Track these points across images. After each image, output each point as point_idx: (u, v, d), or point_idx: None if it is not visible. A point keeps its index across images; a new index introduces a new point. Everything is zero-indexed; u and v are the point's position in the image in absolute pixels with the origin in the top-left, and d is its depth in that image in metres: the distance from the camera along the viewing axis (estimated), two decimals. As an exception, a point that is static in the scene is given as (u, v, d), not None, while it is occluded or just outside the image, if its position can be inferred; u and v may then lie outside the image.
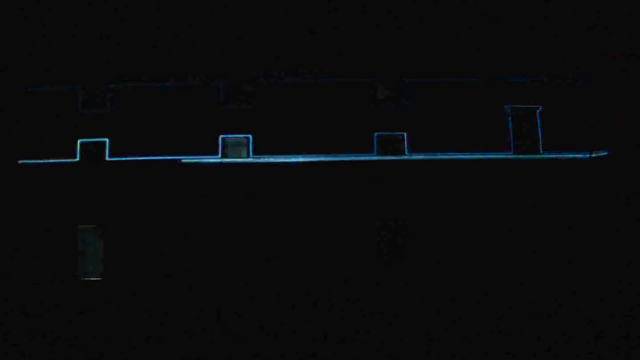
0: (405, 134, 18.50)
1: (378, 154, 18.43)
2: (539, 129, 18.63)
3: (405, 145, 18.48)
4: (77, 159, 18.39)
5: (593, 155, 18.39)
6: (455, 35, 19.05)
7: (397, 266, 17.88)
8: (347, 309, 13.67)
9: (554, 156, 18.38)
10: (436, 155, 18.33)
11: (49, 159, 18.30)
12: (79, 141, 18.47)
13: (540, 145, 18.54)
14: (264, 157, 18.34)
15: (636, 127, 18.13)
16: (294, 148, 18.32)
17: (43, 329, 11.20)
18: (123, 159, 18.32)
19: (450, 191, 18.10)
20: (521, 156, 18.44)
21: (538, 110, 18.70)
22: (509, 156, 18.38)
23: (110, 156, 18.38)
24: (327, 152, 18.30)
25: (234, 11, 19.24)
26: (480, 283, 17.05)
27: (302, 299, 15.25)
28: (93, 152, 18.51)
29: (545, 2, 19.24)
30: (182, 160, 18.31)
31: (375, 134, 18.49)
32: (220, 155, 18.40)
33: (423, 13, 19.30)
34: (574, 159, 18.34)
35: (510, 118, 18.67)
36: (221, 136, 18.48)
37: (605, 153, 18.31)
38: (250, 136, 18.49)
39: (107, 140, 18.44)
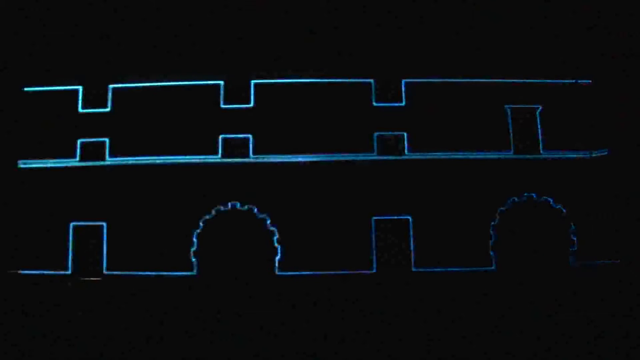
0: (405, 134, 18.51)
1: (378, 154, 18.44)
2: (539, 129, 18.65)
3: (405, 145, 18.49)
4: (77, 159, 18.39)
5: (593, 155, 18.40)
6: (455, 35, 19.06)
7: (396, 266, 17.87)
8: (347, 308, 13.65)
9: (554, 156, 18.41)
10: (436, 155, 18.35)
11: (49, 159, 18.30)
12: (79, 141, 18.48)
13: (540, 145, 18.56)
14: (264, 157, 18.33)
15: (636, 127, 18.13)
16: (294, 148, 18.32)
17: (43, 329, 11.18)
18: (123, 159, 18.31)
19: (451, 191, 18.10)
20: (521, 156, 18.47)
21: (538, 110, 18.72)
22: (509, 156, 18.42)
23: (110, 156, 18.38)
24: (327, 152, 18.30)
25: (234, 11, 19.24)
26: (480, 282, 17.03)
27: (302, 298, 15.25)
28: (93, 152, 18.51)
29: (545, 2, 19.25)
30: (183, 161, 18.31)
31: (375, 134, 18.51)
32: (220, 155, 18.41)
33: (423, 13, 19.30)
34: (574, 158, 18.36)
35: (510, 118, 18.69)
36: (221, 136, 18.48)
37: (605, 153, 18.33)
38: (250, 136, 18.49)
39: (107, 140, 18.45)
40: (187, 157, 18.26)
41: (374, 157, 18.32)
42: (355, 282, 17.13)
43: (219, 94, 18.69)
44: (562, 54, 18.99)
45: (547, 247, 17.94)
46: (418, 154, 18.35)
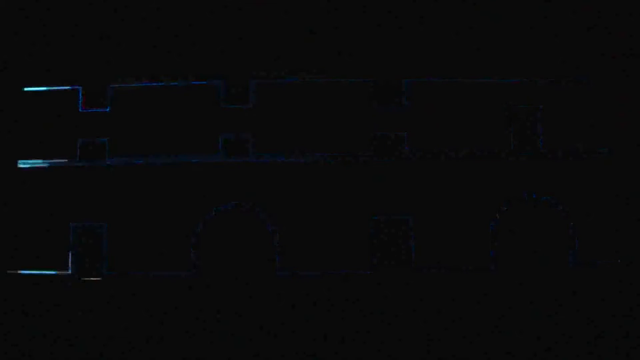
0: (405, 134, 18.51)
1: (377, 154, 18.44)
2: (539, 128, 18.65)
3: (405, 145, 18.50)
4: (77, 159, 18.41)
5: (593, 154, 18.39)
6: (455, 35, 19.05)
7: (396, 266, 17.88)
8: (347, 308, 13.66)
9: (554, 156, 18.40)
10: (436, 155, 18.35)
11: (49, 159, 18.32)
12: (79, 141, 18.49)
13: (541, 145, 18.56)
14: (263, 157, 18.35)
15: (636, 127, 18.13)
16: (293, 148, 18.34)
17: (43, 329, 11.19)
18: (123, 159, 18.32)
19: (451, 190, 18.11)
20: (521, 155, 18.46)
21: (538, 110, 18.72)
22: (509, 156, 18.41)
23: (109, 156, 18.40)
24: (326, 152, 18.32)
25: (234, 11, 19.23)
26: (480, 282, 17.04)
27: (302, 298, 15.26)
28: (93, 152, 18.53)
29: (545, 2, 19.24)
30: (183, 160, 18.32)
31: (375, 134, 18.51)
32: (220, 156, 18.43)
33: (423, 13, 19.29)
34: (574, 158, 18.35)
35: (510, 118, 18.69)
36: (221, 136, 18.49)
37: (606, 152, 18.32)
38: (250, 136, 18.51)
39: (106, 140, 18.47)
40: (187, 156, 18.27)
41: (373, 157, 18.31)
42: (355, 282, 17.13)
43: (219, 94, 18.70)
44: (562, 53, 18.98)
45: (547, 247, 17.95)
46: (418, 154, 18.35)
